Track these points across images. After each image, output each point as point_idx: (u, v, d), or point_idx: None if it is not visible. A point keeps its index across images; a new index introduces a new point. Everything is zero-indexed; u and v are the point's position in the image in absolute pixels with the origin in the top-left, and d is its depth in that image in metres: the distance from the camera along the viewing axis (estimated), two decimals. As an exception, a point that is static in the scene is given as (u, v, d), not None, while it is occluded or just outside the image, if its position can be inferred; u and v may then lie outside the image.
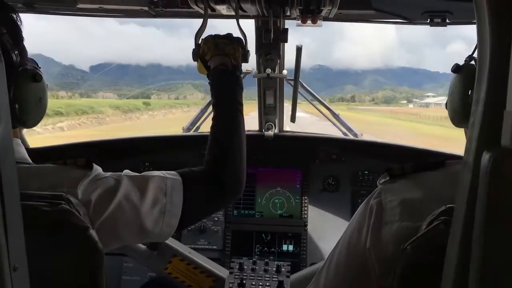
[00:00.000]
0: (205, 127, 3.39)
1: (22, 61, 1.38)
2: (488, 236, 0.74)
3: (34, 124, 1.48)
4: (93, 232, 1.23)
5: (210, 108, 3.20)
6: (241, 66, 1.90)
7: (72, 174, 1.36)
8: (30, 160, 1.47)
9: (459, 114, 1.37)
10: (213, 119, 1.74)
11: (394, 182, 1.33)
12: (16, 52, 1.35)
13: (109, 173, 1.44)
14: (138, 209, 1.41)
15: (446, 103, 1.49)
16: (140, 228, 1.43)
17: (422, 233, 1.04)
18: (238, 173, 1.64)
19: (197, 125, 3.42)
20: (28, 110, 1.40)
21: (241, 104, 1.76)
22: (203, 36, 1.92)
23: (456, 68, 1.39)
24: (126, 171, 1.49)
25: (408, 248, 1.05)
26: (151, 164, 3.10)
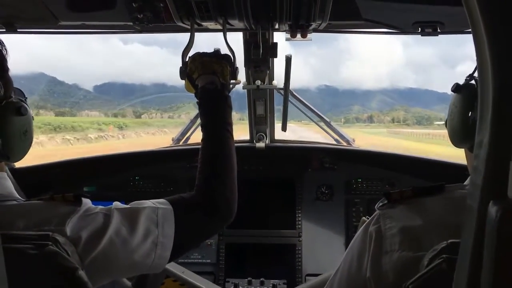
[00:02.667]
0: (195, 138, 3.35)
1: (6, 94, 1.32)
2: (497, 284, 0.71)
3: (19, 158, 1.42)
4: (82, 273, 1.17)
5: (199, 119, 3.18)
6: (229, 84, 1.84)
7: (60, 210, 1.30)
8: (16, 195, 1.41)
9: (459, 135, 1.35)
10: (202, 140, 1.69)
11: (392, 207, 1.29)
12: None
13: (98, 208, 1.38)
14: (130, 244, 1.36)
15: (445, 122, 1.46)
16: (132, 262, 1.38)
17: (423, 272, 1.00)
18: (230, 198, 1.59)
19: (187, 135, 3.37)
20: (12, 144, 1.34)
21: (230, 124, 1.71)
22: (191, 53, 1.87)
23: (456, 88, 1.36)
24: (116, 204, 1.44)
25: (410, 287, 1.01)
26: (141, 178, 3.04)
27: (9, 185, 1.39)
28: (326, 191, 3.04)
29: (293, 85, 2.82)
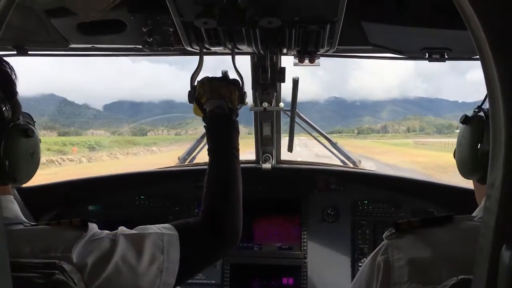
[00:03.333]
0: (200, 157, 3.36)
1: (13, 116, 1.33)
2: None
3: (26, 180, 1.43)
4: None
5: (205, 139, 3.19)
6: (237, 109, 1.85)
7: (66, 235, 1.30)
8: (23, 218, 1.42)
9: (468, 167, 1.35)
10: (208, 165, 1.70)
11: (401, 237, 1.29)
12: (7, 107, 1.30)
13: (104, 232, 1.38)
14: (135, 270, 1.35)
15: (454, 153, 1.46)
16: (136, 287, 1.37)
17: None
18: (235, 223, 1.60)
19: (193, 155, 3.38)
20: (19, 167, 1.35)
21: (237, 150, 1.73)
22: (199, 78, 1.88)
23: (465, 119, 1.36)
24: (122, 229, 1.44)
25: None
26: (146, 198, 3.04)
27: (16, 208, 1.40)
28: (332, 213, 3.02)
29: (302, 98, 2.84)
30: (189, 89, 1.86)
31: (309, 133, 3.19)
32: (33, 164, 1.40)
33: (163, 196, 3.03)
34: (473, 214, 1.34)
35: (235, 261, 2.99)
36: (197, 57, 1.92)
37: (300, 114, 2.98)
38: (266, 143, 3.00)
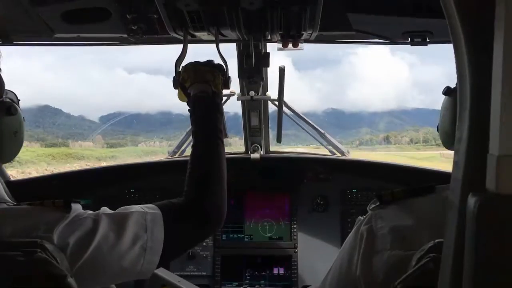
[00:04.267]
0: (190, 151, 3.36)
1: None
2: (478, 280, 0.71)
3: (9, 159, 1.44)
4: (71, 281, 1.17)
5: None
6: (221, 93, 1.86)
7: (49, 216, 1.30)
8: (6, 198, 1.42)
9: (451, 137, 1.37)
10: (192, 147, 1.71)
11: (384, 208, 1.31)
12: None
13: (87, 213, 1.38)
14: (118, 249, 1.35)
15: (437, 126, 1.48)
16: (120, 268, 1.37)
17: (411, 271, 1.01)
18: (219, 204, 1.60)
19: (182, 148, 3.38)
20: (2, 145, 1.35)
21: (221, 131, 1.73)
22: (184, 63, 1.89)
23: (447, 91, 1.39)
24: (104, 209, 1.44)
25: (398, 287, 1.02)
26: (136, 191, 3.04)
27: (1, 190, 1.40)
28: (321, 202, 3.03)
29: (298, 109, 2.85)
30: (174, 75, 1.88)
31: (297, 123, 3.21)
32: (17, 143, 1.41)
33: (153, 189, 3.03)
34: None
35: (226, 252, 2.99)
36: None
37: (288, 104, 2.99)
38: (255, 134, 3.02)
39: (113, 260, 1.34)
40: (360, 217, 1.46)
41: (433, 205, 1.25)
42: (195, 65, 1.85)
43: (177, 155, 3.37)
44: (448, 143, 1.42)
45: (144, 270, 1.42)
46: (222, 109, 1.80)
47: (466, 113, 0.75)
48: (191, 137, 3.30)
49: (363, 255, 1.26)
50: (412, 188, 1.31)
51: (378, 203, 1.33)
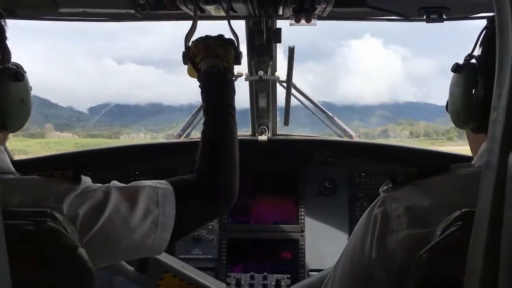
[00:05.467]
0: (196, 133, 3.32)
1: (3, 60, 1.31)
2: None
3: (16, 128, 1.40)
4: (82, 251, 1.13)
5: (201, 114, 3.14)
6: (233, 68, 1.82)
7: (59, 187, 1.26)
8: (13, 169, 1.38)
9: (463, 115, 1.33)
10: (204, 124, 1.66)
11: (397, 189, 1.26)
12: None
13: (97, 185, 1.35)
14: (129, 223, 1.32)
15: (446, 105, 1.43)
16: (131, 242, 1.34)
17: (438, 240, 0.97)
18: (231, 182, 1.57)
19: (188, 131, 3.34)
20: (9, 112, 1.31)
21: (233, 108, 1.68)
22: (193, 38, 1.84)
23: (457, 67, 1.34)
24: (114, 182, 1.41)
25: (423, 256, 0.97)
26: (141, 173, 3.01)
27: (6, 159, 1.37)
28: (329, 186, 3.00)
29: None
30: (183, 50, 1.83)
31: (305, 106, 3.16)
32: (24, 111, 1.37)
33: (159, 172, 2.98)
34: (472, 162, 1.32)
35: (232, 236, 2.97)
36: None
37: (296, 86, 2.94)
38: (262, 115, 2.97)
39: (124, 234, 1.31)
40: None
41: (449, 184, 1.21)
42: (206, 39, 1.80)
43: (182, 138, 3.32)
44: (460, 122, 1.37)
45: (155, 247, 1.40)
46: (233, 85, 1.75)
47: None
48: (196, 120, 3.31)
49: (378, 237, 1.22)
50: (426, 168, 1.27)
51: (391, 185, 1.29)
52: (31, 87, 1.40)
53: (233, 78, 1.80)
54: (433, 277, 0.98)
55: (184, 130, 3.34)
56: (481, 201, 0.77)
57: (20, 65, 1.39)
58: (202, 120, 1.69)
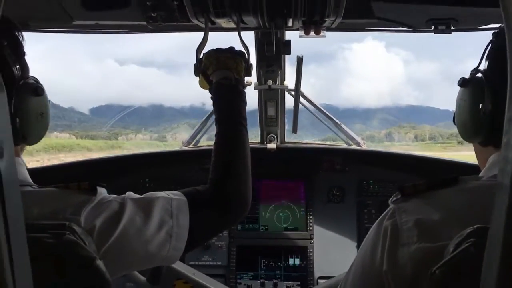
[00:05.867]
0: (205, 141, 3.34)
1: (23, 75, 1.34)
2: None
3: (36, 140, 1.43)
4: (100, 263, 1.16)
5: (210, 121, 3.18)
6: (244, 80, 1.85)
7: (75, 199, 1.29)
8: (31, 181, 1.42)
9: (471, 129, 1.34)
10: (216, 135, 1.69)
11: (407, 201, 1.28)
12: (17, 67, 1.31)
13: (112, 196, 1.38)
14: (144, 234, 1.35)
15: (453, 118, 1.45)
16: (146, 253, 1.37)
17: (451, 256, 0.98)
18: (244, 192, 1.59)
19: (197, 138, 3.36)
20: (29, 126, 1.35)
21: (245, 119, 1.72)
22: (205, 51, 1.88)
23: (464, 82, 1.35)
24: (129, 194, 1.43)
25: (437, 272, 0.99)
26: (151, 180, 3.04)
27: (24, 171, 1.40)
28: (338, 193, 3.02)
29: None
30: (195, 62, 1.86)
31: (313, 114, 3.18)
32: (43, 124, 1.41)
33: (169, 179, 3.02)
34: (479, 175, 1.33)
35: (241, 242, 2.99)
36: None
37: (304, 94, 2.96)
38: (271, 124, 3.00)
39: (140, 244, 1.34)
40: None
41: (457, 197, 1.22)
42: (217, 52, 1.83)
43: (191, 145, 3.35)
44: (467, 135, 1.38)
45: (170, 256, 1.43)
46: (245, 97, 1.78)
47: None
48: (205, 127, 3.33)
49: (388, 250, 1.24)
50: (435, 180, 1.28)
51: (400, 196, 1.30)
52: (49, 101, 1.43)
53: (245, 89, 1.83)
54: None
55: (193, 137, 3.35)
56: (495, 222, 0.79)
57: (38, 80, 1.42)
58: (211, 127, 1.72)
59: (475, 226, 0.98)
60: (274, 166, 3.03)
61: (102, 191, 1.36)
